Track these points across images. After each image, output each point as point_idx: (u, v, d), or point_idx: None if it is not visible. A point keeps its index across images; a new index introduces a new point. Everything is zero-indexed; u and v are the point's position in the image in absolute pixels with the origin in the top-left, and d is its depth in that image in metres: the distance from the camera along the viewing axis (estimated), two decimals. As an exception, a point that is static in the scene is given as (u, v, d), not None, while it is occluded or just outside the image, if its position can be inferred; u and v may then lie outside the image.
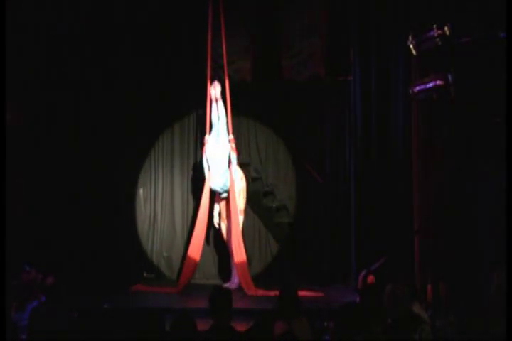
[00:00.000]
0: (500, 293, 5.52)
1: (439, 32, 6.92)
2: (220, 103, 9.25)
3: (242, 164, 9.89)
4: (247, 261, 9.20)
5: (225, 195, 9.15)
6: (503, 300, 5.29)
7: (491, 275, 5.98)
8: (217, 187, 9.08)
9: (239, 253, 8.97)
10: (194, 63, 9.56)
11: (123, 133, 9.80)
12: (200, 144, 9.67)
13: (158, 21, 9.67)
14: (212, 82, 9.24)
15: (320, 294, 8.53)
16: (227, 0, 9.12)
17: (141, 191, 10.18)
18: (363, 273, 6.99)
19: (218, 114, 9.21)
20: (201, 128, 9.86)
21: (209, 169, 9.11)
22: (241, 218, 9.29)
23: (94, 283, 8.82)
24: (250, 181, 9.98)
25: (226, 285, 9.07)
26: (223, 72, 9.24)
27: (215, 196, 9.24)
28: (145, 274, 9.93)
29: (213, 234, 9.82)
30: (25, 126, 9.06)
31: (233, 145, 9.15)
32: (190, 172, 10.18)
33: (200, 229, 9.01)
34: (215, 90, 9.23)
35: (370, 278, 6.84)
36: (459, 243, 7.56)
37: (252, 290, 8.68)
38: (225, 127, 9.19)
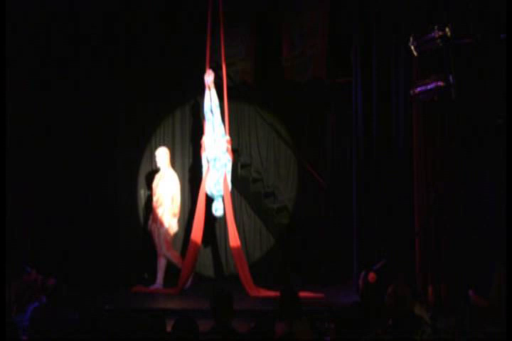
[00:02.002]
0: (501, 294, 5.53)
1: (440, 33, 6.91)
2: (213, 91, 9.12)
3: (243, 165, 9.94)
4: (248, 261, 9.23)
5: (218, 200, 9.11)
6: (503, 300, 5.30)
7: (492, 276, 5.99)
8: (213, 192, 9.04)
9: (239, 254, 8.97)
10: (194, 65, 9.54)
11: (122, 134, 9.85)
12: (198, 145, 9.69)
13: (158, 22, 9.70)
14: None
15: (321, 295, 8.52)
16: (227, 0, 9.12)
17: (142, 192, 10.18)
18: (362, 273, 6.98)
19: (211, 105, 9.10)
20: (200, 129, 9.90)
21: (207, 170, 9.07)
22: (174, 221, 9.38)
23: (95, 284, 8.83)
24: (251, 182, 10.02)
25: (152, 287, 9.11)
26: (223, 73, 9.23)
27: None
28: (146, 275, 9.92)
29: (210, 234, 9.85)
30: (23, 124, 9.04)
31: (229, 147, 9.06)
32: (190, 173, 10.18)
33: (197, 230, 8.99)
34: (208, 77, 9.12)
35: (371, 276, 6.81)
36: (460, 243, 7.57)
37: (254, 291, 8.67)
38: (221, 121, 9.05)
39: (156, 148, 10.17)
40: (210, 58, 9.13)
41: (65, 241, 9.24)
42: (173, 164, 10.15)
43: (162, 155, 9.47)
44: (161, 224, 9.28)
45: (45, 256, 8.75)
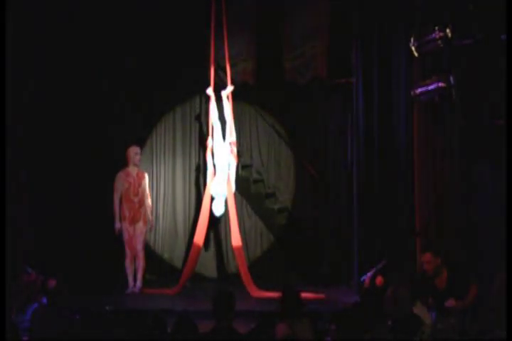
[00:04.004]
0: (501, 294, 5.53)
1: (441, 34, 6.91)
2: (226, 102, 9.15)
3: (244, 166, 9.93)
4: (248, 261, 9.24)
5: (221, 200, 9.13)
6: (504, 300, 5.30)
7: (492, 276, 5.99)
8: (218, 194, 9.04)
9: (240, 254, 8.99)
10: (196, 65, 9.54)
11: (121, 132, 9.86)
12: (202, 146, 9.70)
13: (160, 22, 9.69)
14: (215, 84, 9.23)
15: (321, 295, 8.52)
16: (229, 2, 9.13)
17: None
18: (369, 273, 6.97)
19: (219, 114, 9.12)
20: (202, 129, 9.91)
21: (214, 173, 9.07)
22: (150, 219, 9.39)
23: (96, 285, 8.84)
24: (252, 183, 10.03)
25: (129, 290, 9.06)
26: (225, 74, 9.24)
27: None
28: (147, 276, 9.91)
29: (212, 234, 9.85)
30: (22, 123, 9.03)
31: (234, 149, 9.09)
32: (193, 174, 10.18)
33: (200, 232, 9.01)
34: (223, 90, 9.18)
35: (379, 280, 6.81)
36: (460, 243, 7.58)
37: (255, 292, 8.68)
38: (233, 129, 9.12)
39: (156, 147, 10.19)
40: (214, 59, 9.17)
41: (66, 242, 9.24)
42: (174, 163, 10.18)
43: (140, 154, 9.44)
44: (144, 224, 9.22)
45: (45, 257, 8.74)
